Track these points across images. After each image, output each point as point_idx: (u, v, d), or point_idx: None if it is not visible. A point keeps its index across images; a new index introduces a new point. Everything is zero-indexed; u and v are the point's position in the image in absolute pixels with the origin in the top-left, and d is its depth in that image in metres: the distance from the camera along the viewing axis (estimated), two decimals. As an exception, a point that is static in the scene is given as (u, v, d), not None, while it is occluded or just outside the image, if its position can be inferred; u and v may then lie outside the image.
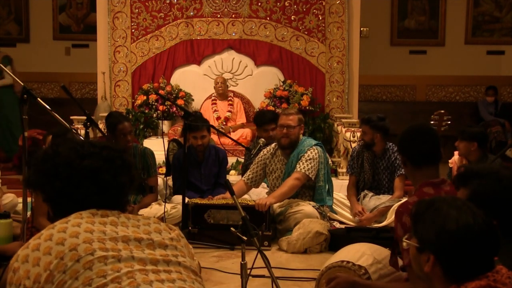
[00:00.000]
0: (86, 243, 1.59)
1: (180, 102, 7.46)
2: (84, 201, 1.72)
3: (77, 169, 1.73)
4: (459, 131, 5.12)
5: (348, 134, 6.56)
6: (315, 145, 5.00)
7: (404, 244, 1.79)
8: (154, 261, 1.65)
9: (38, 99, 3.56)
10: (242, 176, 6.10)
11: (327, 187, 5.08)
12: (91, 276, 1.55)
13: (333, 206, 5.31)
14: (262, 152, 5.22)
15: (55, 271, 1.55)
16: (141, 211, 4.95)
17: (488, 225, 1.67)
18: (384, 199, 5.33)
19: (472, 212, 1.67)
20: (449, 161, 5.62)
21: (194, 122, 5.08)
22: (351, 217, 5.40)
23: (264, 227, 4.57)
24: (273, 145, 5.21)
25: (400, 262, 2.67)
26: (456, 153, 5.53)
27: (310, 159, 4.87)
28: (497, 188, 2.02)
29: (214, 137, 6.63)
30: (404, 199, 4.31)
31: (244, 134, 7.11)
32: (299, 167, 4.86)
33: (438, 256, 1.67)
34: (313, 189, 4.99)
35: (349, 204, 5.49)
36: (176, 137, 6.51)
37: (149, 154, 5.22)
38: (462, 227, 1.65)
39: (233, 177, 6.41)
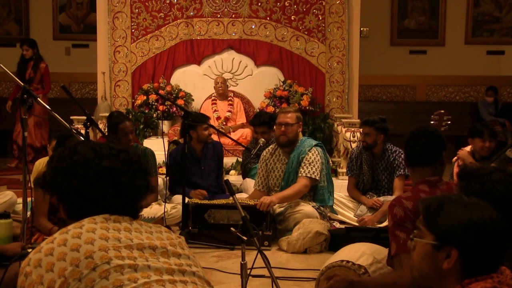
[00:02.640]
0: (102, 250, 1.57)
1: (180, 102, 7.46)
2: (99, 203, 1.70)
3: (95, 169, 1.70)
4: (476, 131, 5.30)
5: (348, 134, 6.56)
6: (315, 145, 4.99)
7: (412, 243, 1.74)
8: (170, 271, 1.64)
9: (38, 99, 3.56)
10: (242, 176, 6.13)
11: (328, 185, 5.05)
12: (107, 285, 1.53)
13: (333, 206, 5.30)
14: (262, 154, 5.22)
15: (70, 278, 1.53)
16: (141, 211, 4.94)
17: (504, 223, 1.66)
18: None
19: (491, 209, 1.66)
20: (454, 159, 5.62)
21: (197, 116, 5.29)
22: (351, 216, 5.40)
23: (264, 227, 4.57)
24: (272, 145, 5.21)
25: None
26: (465, 149, 5.54)
27: (312, 161, 4.86)
28: (479, 191, 2.00)
29: (214, 137, 6.63)
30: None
31: (244, 134, 7.11)
32: (304, 172, 4.83)
33: (462, 250, 1.63)
34: (315, 190, 4.97)
35: (349, 204, 5.48)
36: (176, 138, 6.52)
37: (150, 154, 5.23)
38: (489, 221, 1.63)
39: (233, 177, 6.41)
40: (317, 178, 4.85)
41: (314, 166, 4.85)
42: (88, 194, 1.70)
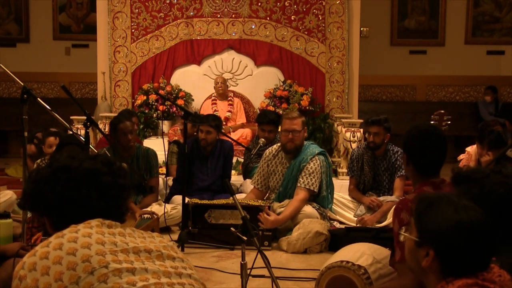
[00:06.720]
0: (99, 255, 1.57)
1: (180, 102, 7.46)
2: (85, 206, 1.70)
3: (76, 172, 1.71)
4: (479, 135, 4.97)
5: (348, 134, 6.56)
6: (318, 154, 4.87)
7: (401, 237, 1.78)
8: (167, 274, 1.64)
9: (38, 99, 3.56)
10: (242, 176, 6.12)
11: (328, 190, 5.02)
12: None
13: (333, 207, 5.29)
14: (264, 153, 5.15)
15: (67, 282, 1.53)
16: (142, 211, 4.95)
17: (491, 225, 1.67)
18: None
19: (477, 211, 1.68)
20: (460, 156, 5.59)
21: (203, 117, 5.34)
22: (351, 217, 5.39)
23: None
24: (275, 146, 5.12)
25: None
26: (468, 149, 5.50)
27: (312, 172, 4.78)
28: (479, 195, 1.99)
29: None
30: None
31: (244, 134, 7.11)
32: (303, 183, 4.77)
33: (439, 251, 1.66)
34: (315, 197, 4.92)
35: (349, 205, 5.48)
36: (176, 138, 6.53)
37: (152, 155, 5.23)
38: (474, 223, 1.65)
39: (233, 177, 6.39)
40: (315, 189, 4.79)
41: (314, 178, 4.78)
42: (73, 198, 1.70)
